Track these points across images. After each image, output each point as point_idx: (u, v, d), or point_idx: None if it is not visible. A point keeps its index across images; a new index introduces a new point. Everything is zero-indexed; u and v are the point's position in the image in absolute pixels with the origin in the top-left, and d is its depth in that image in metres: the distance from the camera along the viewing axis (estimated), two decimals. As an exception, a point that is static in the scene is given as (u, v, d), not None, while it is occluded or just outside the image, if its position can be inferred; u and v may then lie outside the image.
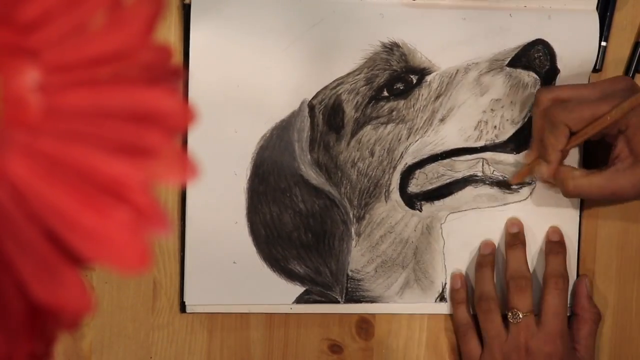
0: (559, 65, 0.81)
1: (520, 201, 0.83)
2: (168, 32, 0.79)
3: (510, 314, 0.81)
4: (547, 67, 0.81)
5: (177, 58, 0.78)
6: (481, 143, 0.81)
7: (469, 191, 0.82)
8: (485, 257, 0.83)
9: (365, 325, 0.84)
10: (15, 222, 0.31)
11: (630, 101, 0.73)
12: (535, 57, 0.81)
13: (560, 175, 0.78)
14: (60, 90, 0.32)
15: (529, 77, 0.81)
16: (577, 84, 0.79)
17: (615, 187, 0.76)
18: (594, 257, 0.86)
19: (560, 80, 0.81)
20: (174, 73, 0.35)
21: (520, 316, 0.80)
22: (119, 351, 0.81)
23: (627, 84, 0.76)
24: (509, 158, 0.82)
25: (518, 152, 0.82)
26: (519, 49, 0.81)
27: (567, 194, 0.78)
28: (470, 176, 0.82)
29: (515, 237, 0.83)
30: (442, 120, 0.80)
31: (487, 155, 0.82)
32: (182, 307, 0.81)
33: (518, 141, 0.81)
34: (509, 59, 0.81)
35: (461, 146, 0.81)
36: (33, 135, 0.32)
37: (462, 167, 0.82)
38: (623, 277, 0.86)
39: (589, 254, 0.86)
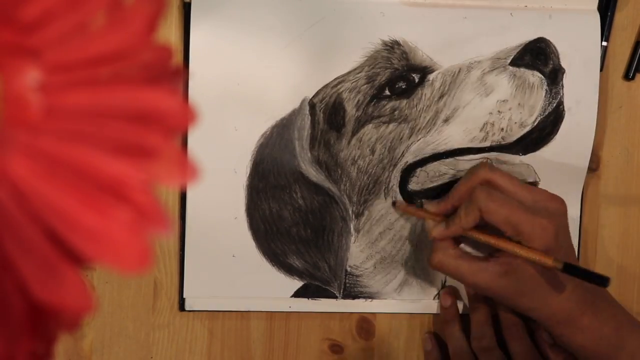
0: (563, 64, 0.81)
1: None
2: (168, 31, 0.79)
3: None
4: (551, 66, 0.81)
5: (178, 58, 0.78)
6: (487, 144, 0.81)
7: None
8: (447, 311, 0.83)
9: (365, 324, 0.84)
10: (16, 222, 0.31)
11: (524, 252, 0.72)
12: (539, 56, 0.81)
13: (435, 244, 0.77)
14: (60, 90, 0.32)
15: (534, 77, 0.80)
16: (519, 180, 0.77)
17: (476, 281, 0.75)
18: (594, 259, 0.86)
19: (567, 80, 0.81)
20: (175, 73, 0.35)
21: None
22: (119, 351, 0.81)
23: (559, 209, 0.75)
24: (515, 159, 0.82)
25: (524, 153, 0.82)
26: (521, 47, 0.81)
27: (430, 264, 0.77)
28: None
29: (447, 311, 0.83)
30: (446, 120, 0.80)
31: (492, 155, 0.81)
32: (182, 303, 0.81)
33: (525, 143, 0.81)
34: (511, 57, 0.81)
35: (465, 146, 0.81)
36: (34, 135, 0.32)
37: (466, 166, 0.81)
38: (624, 279, 0.86)
39: (590, 256, 0.86)
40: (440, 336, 0.85)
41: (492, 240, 0.74)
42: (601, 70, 0.83)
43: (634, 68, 0.84)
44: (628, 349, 0.74)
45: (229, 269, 0.81)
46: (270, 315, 0.83)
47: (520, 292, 0.75)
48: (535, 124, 0.81)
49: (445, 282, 0.84)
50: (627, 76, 0.85)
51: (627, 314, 0.76)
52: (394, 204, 0.81)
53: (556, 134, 0.82)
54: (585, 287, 0.73)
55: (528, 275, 0.74)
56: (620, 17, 0.84)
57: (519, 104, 0.80)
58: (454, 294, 0.84)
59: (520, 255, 0.72)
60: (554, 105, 0.81)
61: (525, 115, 0.81)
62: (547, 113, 0.81)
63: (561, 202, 0.75)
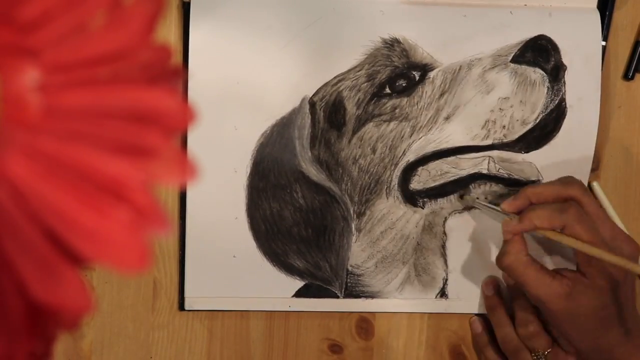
0: (565, 61, 0.81)
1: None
2: (168, 31, 0.79)
3: (534, 356, 0.81)
4: (552, 62, 0.81)
5: (177, 57, 0.78)
6: (488, 142, 0.81)
7: (472, 189, 0.82)
8: (491, 299, 0.83)
9: (365, 324, 0.84)
10: (15, 222, 0.31)
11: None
12: (540, 53, 0.80)
13: (508, 245, 0.76)
14: (60, 90, 0.32)
15: (536, 74, 0.80)
16: (605, 213, 0.77)
17: (538, 294, 0.75)
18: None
19: (569, 77, 0.81)
20: (174, 73, 0.35)
21: (543, 354, 0.80)
22: (119, 351, 0.81)
23: (633, 253, 0.76)
24: (517, 157, 0.82)
25: (527, 151, 0.82)
26: (521, 44, 0.80)
27: (498, 263, 0.77)
28: (475, 174, 0.82)
29: (490, 299, 0.83)
30: (447, 118, 0.80)
31: (494, 153, 0.81)
32: (182, 303, 0.81)
33: (527, 141, 0.81)
34: (512, 54, 0.80)
35: (467, 144, 0.81)
36: (33, 135, 0.32)
37: (467, 164, 0.81)
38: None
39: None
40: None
41: (566, 240, 0.73)
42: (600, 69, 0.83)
43: (633, 68, 0.84)
44: None
45: (230, 269, 0.81)
46: (270, 315, 0.83)
47: (574, 319, 0.75)
48: (537, 121, 0.81)
49: (446, 280, 0.84)
50: (627, 76, 0.85)
51: None
52: (461, 196, 0.81)
53: (558, 131, 0.82)
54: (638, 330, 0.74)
55: (587, 305, 0.74)
56: (620, 17, 0.84)
57: (520, 101, 0.80)
58: (495, 282, 0.84)
59: (601, 257, 0.72)
60: (556, 102, 0.81)
61: (527, 113, 0.80)
62: (549, 110, 0.81)
63: (635, 247, 0.76)
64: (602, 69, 0.83)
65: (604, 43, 0.83)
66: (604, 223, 0.75)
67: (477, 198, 0.81)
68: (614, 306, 0.74)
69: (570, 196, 0.75)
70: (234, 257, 0.80)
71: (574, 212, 0.73)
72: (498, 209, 0.78)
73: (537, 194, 0.76)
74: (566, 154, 0.82)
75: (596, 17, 0.82)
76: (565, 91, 0.81)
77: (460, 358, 0.86)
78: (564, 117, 0.81)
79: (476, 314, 0.85)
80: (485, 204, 0.80)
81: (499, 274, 0.84)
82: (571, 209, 0.73)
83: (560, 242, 0.74)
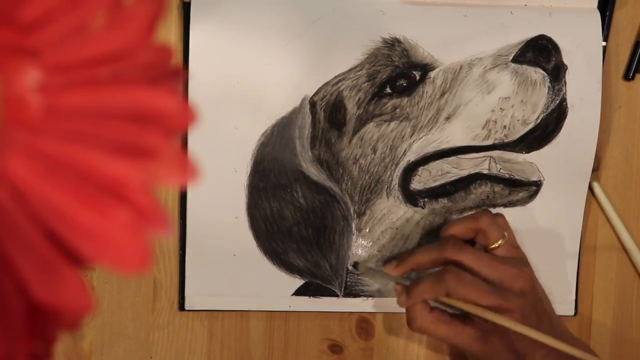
0: (566, 61, 0.81)
1: (524, 201, 0.83)
2: (168, 31, 0.79)
3: None
4: (553, 62, 0.81)
5: (177, 58, 0.78)
6: (489, 142, 0.81)
7: (473, 189, 0.82)
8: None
9: (365, 324, 0.84)
10: (16, 222, 0.31)
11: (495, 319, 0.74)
12: (540, 52, 0.80)
13: (412, 311, 0.77)
14: (60, 90, 0.32)
15: (537, 74, 0.80)
16: (485, 256, 0.77)
17: (456, 343, 0.77)
18: (594, 262, 0.86)
19: (570, 77, 0.81)
20: (174, 73, 0.35)
21: None
22: (119, 351, 0.81)
23: (523, 289, 0.76)
24: (518, 157, 0.82)
25: (528, 151, 0.82)
26: (522, 44, 0.80)
27: (410, 328, 0.78)
28: (476, 174, 0.82)
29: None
30: (447, 118, 0.80)
31: (495, 153, 0.81)
32: (182, 303, 0.81)
33: (528, 141, 0.81)
34: (513, 54, 0.80)
35: (468, 144, 0.81)
36: (33, 135, 0.32)
37: (468, 164, 0.81)
38: (623, 281, 0.86)
39: (590, 256, 0.86)
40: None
41: (463, 306, 0.75)
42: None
43: (633, 68, 0.84)
44: None
45: (230, 268, 0.81)
46: (270, 315, 0.83)
47: (496, 356, 0.77)
48: (538, 121, 0.81)
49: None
50: (627, 76, 0.85)
51: None
52: (355, 265, 0.82)
53: (560, 131, 0.82)
54: (558, 354, 0.75)
55: (501, 342, 0.76)
56: (620, 17, 0.84)
57: (521, 101, 0.80)
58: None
59: (487, 318, 0.74)
60: (557, 102, 0.81)
61: (528, 113, 0.80)
62: (550, 110, 0.81)
63: (526, 281, 0.77)
64: (602, 69, 0.83)
65: (604, 43, 0.83)
66: (487, 269, 0.76)
67: (369, 267, 0.81)
68: (526, 338, 0.74)
69: (443, 257, 0.77)
70: (234, 255, 0.80)
71: (451, 277, 0.75)
72: (385, 274, 0.80)
73: (417, 261, 0.78)
74: (567, 154, 0.82)
75: (596, 17, 0.82)
76: (566, 91, 0.81)
77: (460, 358, 0.86)
78: (564, 117, 0.81)
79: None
80: (375, 269, 0.81)
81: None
82: (447, 275, 0.75)
83: (450, 303, 0.76)
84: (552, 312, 0.80)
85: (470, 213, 0.82)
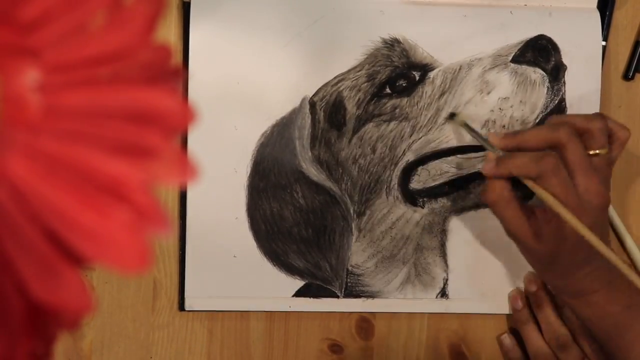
0: (565, 61, 0.81)
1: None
2: (168, 31, 0.79)
3: None
4: (552, 62, 0.81)
5: (177, 57, 0.78)
6: (488, 142, 0.81)
7: (472, 188, 0.82)
8: (521, 313, 0.84)
9: (365, 324, 0.84)
10: (15, 222, 0.31)
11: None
12: (540, 52, 0.80)
13: (493, 182, 0.76)
14: (60, 90, 0.32)
15: (536, 74, 0.80)
16: (589, 160, 0.75)
17: (513, 231, 0.76)
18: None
19: (569, 76, 0.81)
20: (174, 73, 0.35)
21: None
22: (119, 351, 0.81)
23: (600, 205, 0.75)
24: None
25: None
26: (521, 45, 0.80)
27: (482, 197, 0.77)
28: (475, 173, 0.82)
29: (535, 296, 0.83)
30: (447, 118, 0.80)
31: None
32: (182, 303, 0.81)
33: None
34: (513, 54, 0.80)
35: (467, 144, 0.81)
36: (33, 135, 0.32)
37: (467, 164, 0.81)
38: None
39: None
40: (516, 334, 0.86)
41: (539, 192, 0.73)
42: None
43: (633, 68, 0.84)
44: (636, 329, 0.76)
45: (230, 269, 0.81)
46: (270, 315, 0.83)
47: (545, 262, 0.76)
48: (537, 121, 0.81)
49: (447, 280, 0.84)
50: (627, 76, 0.85)
51: None
52: (451, 116, 0.80)
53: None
54: (606, 268, 0.74)
55: (555, 251, 0.75)
56: (619, 16, 0.84)
57: (520, 101, 0.80)
58: (522, 293, 0.84)
59: (570, 222, 0.72)
60: (556, 102, 0.81)
61: (527, 113, 0.80)
62: (549, 110, 0.81)
63: (605, 201, 0.75)
64: (602, 69, 0.83)
65: (604, 43, 0.83)
66: (581, 174, 0.74)
67: (466, 123, 0.80)
68: (581, 250, 0.74)
69: (557, 141, 0.75)
70: (234, 257, 0.80)
71: (550, 163, 0.73)
72: (485, 139, 0.78)
73: (525, 138, 0.76)
74: None
75: (596, 17, 0.82)
76: (565, 91, 0.81)
77: (460, 358, 0.86)
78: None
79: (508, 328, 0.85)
80: (476, 130, 0.79)
81: (499, 274, 0.84)
82: (547, 160, 0.73)
83: (532, 189, 0.74)
84: (608, 243, 0.77)
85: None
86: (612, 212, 0.85)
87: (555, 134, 0.75)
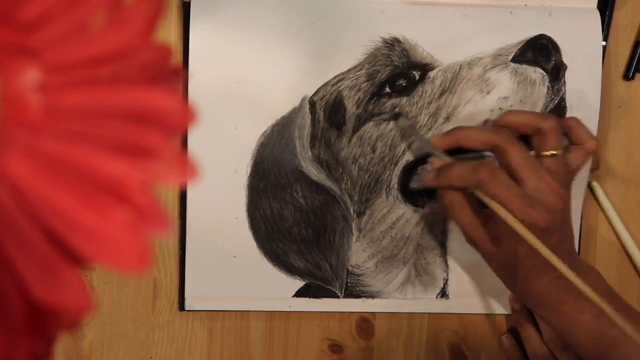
0: (565, 60, 0.81)
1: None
2: (168, 31, 0.79)
3: None
4: (553, 62, 0.81)
5: (177, 57, 0.78)
6: (489, 141, 0.81)
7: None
8: (519, 314, 0.83)
9: (365, 324, 0.84)
10: (15, 222, 0.31)
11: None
12: (540, 52, 0.80)
13: (445, 189, 0.76)
14: (60, 90, 0.32)
15: (536, 74, 0.80)
16: (532, 161, 0.74)
17: (472, 237, 0.76)
18: (594, 258, 0.86)
19: (569, 76, 0.81)
20: (174, 73, 0.35)
21: None
22: (119, 351, 0.81)
23: (555, 206, 0.74)
24: None
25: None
26: (522, 44, 0.80)
27: (438, 202, 0.78)
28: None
29: (520, 315, 0.83)
30: (447, 118, 0.80)
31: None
32: (182, 303, 0.81)
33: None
34: (513, 54, 0.80)
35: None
36: (33, 135, 0.32)
37: (466, 165, 0.81)
38: (622, 281, 0.86)
39: (590, 255, 0.86)
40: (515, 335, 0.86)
41: (483, 199, 0.73)
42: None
43: (633, 68, 0.84)
44: (609, 337, 0.74)
45: (230, 269, 0.81)
46: (270, 315, 0.83)
47: (500, 264, 0.76)
48: None
49: (447, 280, 0.84)
50: (627, 76, 0.85)
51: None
52: (395, 117, 0.79)
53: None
54: (566, 284, 0.73)
55: (514, 254, 0.74)
56: (620, 16, 0.84)
57: (520, 101, 0.80)
58: None
59: (514, 227, 0.71)
60: (556, 102, 0.81)
61: None
62: (548, 110, 0.81)
63: (561, 199, 0.74)
64: (602, 69, 0.83)
65: (604, 43, 0.83)
66: (527, 175, 0.73)
67: (411, 125, 0.79)
68: (540, 254, 0.72)
69: (496, 144, 0.74)
70: (234, 257, 0.80)
71: (486, 171, 0.72)
72: (426, 141, 0.78)
73: (465, 138, 0.76)
74: None
75: (596, 16, 0.82)
76: (565, 91, 0.81)
77: (460, 358, 0.86)
78: (563, 117, 0.81)
79: (508, 329, 0.85)
80: (417, 133, 0.79)
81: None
82: (483, 168, 0.72)
83: (480, 197, 0.73)
84: (572, 245, 0.77)
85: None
86: (612, 210, 0.85)
87: (495, 137, 0.75)
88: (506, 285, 0.78)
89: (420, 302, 0.84)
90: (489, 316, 0.86)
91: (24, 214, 0.31)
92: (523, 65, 0.80)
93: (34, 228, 0.32)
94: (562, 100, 0.81)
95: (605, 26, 0.83)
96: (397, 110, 0.80)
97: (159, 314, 0.81)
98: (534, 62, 0.80)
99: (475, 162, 0.74)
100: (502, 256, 0.75)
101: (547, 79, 0.80)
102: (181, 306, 0.81)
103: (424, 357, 0.85)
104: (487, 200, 0.73)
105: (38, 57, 0.32)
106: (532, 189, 0.73)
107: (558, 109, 0.81)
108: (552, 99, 0.81)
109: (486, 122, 0.80)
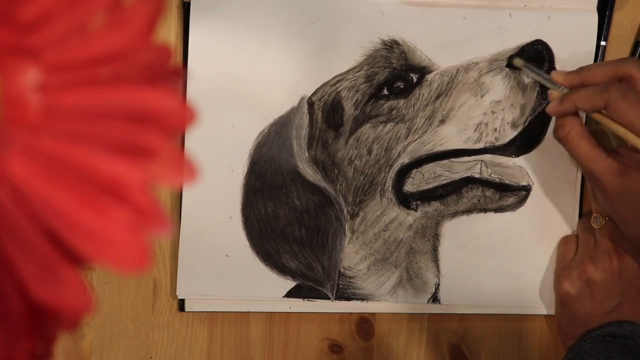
0: (558, 66, 0.81)
1: (514, 207, 0.83)
2: (168, 31, 0.79)
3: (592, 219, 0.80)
4: (545, 68, 0.81)
5: (177, 57, 0.78)
6: (480, 145, 0.81)
7: (465, 193, 0.82)
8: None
9: (365, 324, 0.84)
10: (15, 222, 0.31)
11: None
12: (534, 58, 0.81)
13: (563, 118, 0.73)
14: (60, 90, 0.32)
15: (529, 78, 0.80)
16: None
17: (592, 168, 0.72)
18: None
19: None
20: (174, 73, 0.35)
21: (603, 221, 0.79)
22: (119, 351, 0.81)
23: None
24: (508, 161, 0.82)
25: (517, 155, 0.82)
26: (518, 50, 0.81)
27: (555, 134, 0.75)
28: (468, 178, 0.82)
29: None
30: (442, 121, 0.80)
31: (486, 157, 0.81)
32: (182, 304, 0.81)
33: (518, 145, 0.81)
34: (508, 59, 0.81)
35: (460, 147, 0.81)
36: (33, 135, 0.32)
37: (460, 168, 0.82)
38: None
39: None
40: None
41: (609, 124, 0.70)
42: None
43: (633, 68, 0.84)
44: None
45: (222, 268, 0.81)
46: (270, 315, 0.83)
47: (627, 197, 0.72)
48: (526, 124, 0.81)
49: (438, 285, 0.83)
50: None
51: None
52: (510, 59, 0.78)
53: (546, 133, 0.82)
54: None
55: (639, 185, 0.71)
56: (620, 17, 0.84)
57: (512, 104, 0.81)
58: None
59: (634, 143, 0.69)
60: (544, 105, 0.81)
61: (517, 115, 0.81)
62: (537, 113, 0.81)
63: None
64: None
65: (604, 43, 0.83)
66: None
67: (526, 64, 0.79)
68: None
69: (625, 74, 0.72)
70: (227, 256, 0.80)
71: (617, 89, 0.70)
72: (547, 78, 0.76)
73: (591, 73, 0.74)
74: (555, 158, 0.82)
75: (594, 19, 0.82)
76: None
77: (460, 358, 0.86)
78: (550, 120, 0.81)
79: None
80: (536, 70, 0.79)
81: (492, 279, 0.83)
82: (614, 87, 0.70)
83: (603, 124, 0.71)
84: None
85: None
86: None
87: (623, 66, 0.72)
88: (622, 219, 0.73)
89: (411, 306, 0.84)
90: (489, 316, 0.86)
91: (24, 214, 0.32)
92: (517, 70, 0.81)
93: (34, 228, 0.32)
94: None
95: (605, 26, 0.83)
96: (511, 55, 0.79)
97: (159, 314, 0.81)
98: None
99: (604, 84, 0.71)
100: (628, 189, 0.71)
101: (539, 84, 0.81)
102: (181, 307, 0.81)
103: (424, 357, 0.85)
104: (612, 124, 0.70)
105: (38, 57, 0.32)
106: None
107: (545, 112, 0.81)
108: (540, 103, 0.81)
109: (479, 125, 0.80)
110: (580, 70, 0.75)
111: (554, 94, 0.74)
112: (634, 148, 0.71)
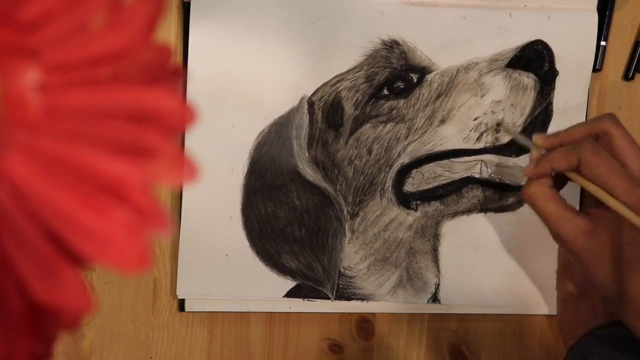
0: (558, 66, 0.81)
1: (515, 207, 0.83)
2: (168, 31, 0.79)
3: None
4: (545, 68, 0.81)
5: (177, 57, 0.78)
6: (480, 145, 0.81)
7: (465, 192, 0.82)
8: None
9: (365, 325, 0.84)
10: (15, 222, 0.31)
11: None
12: (535, 58, 0.81)
13: (532, 180, 0.73)
14: (60, 90, 0.32)
15: (529, 79, 0.81)
16: (638, 146, 0.71)
17: (559, 231, 0.71)
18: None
19: (559, 82, 0.81)
20: (174, 73, 0.35)
21: None
22: (119, 351, 0.81)
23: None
24: (508, 161, 0.82)
25: (518, 155, 0.82)
26: (518, 50, 0.81)
27: (521, 194, 0.74)
28: (468, 178, 0.82)
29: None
30: (442, 121, 0.80)
31: (486, 157, 0.81)
32: (182, 304, 0.81)
33: (518, 145, 0.81)
34: (508, 59, 0.81)
35: (460, 147, 0.81)
36: (33, 135, 0.32)
37: (460, 168, 0.82)
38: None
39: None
40: None
41: (590, 187, 0.69)
42: (600, 70, 0.84)
43: (633, 68, 0.84)
44: None
45: (222, 268, 0.81)
46: (270, 315, 0.83)
47: (599, 259, 0.70)
48: (525, 124, 0.81)
49: (438, 285, 0.83)
50: (627, 76, 0.85)
51: None
52: (497, 125, 0.79)
53: (545, 134, 0.82)
54: None
55: (612, 244, 0.69)
56: (620, 17, 0.84)
57: (511, 105, 0.81)
58: None
59: (616, 208, 0.68)
60: (544, 105, 0.81)
61: (517, 115, 0.81)
62: (536, 113, 0.81)
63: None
64: (601, 69, 0.83)
65: (604, 43, 0.83)
66: (633, 155, 0.70)
67: (512, 130, 0.79)
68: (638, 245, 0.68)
69: (601, 130, 0.72)
70: (227, 255, 0.80)
71: (588, 144, 0.69)
72: (529, 142, 0.76)
73: (568, 134, 0.73)
74: None
75: (594, 19, 0.82)
76: (553, 95, 0.81)
77: (460, 358, 0.86)
78: (549, 120, 0.81)
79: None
80: (517, 131, 0.79)
81: (492, 279, 0.84)
82: (586, 142, 0.69)
83: (580, 184, 0.71)
84: None
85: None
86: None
87: (599, 123, 0.72)
88: (593, 281, 0.71)
89: (411, 306, 0.84)
90: (489, 316, 0.86)
91: (24, 214, 0.32)
92: (517, 70, 0.81)
93: (34, 228, 0.32)
94: (550, 104, 0.81)
95: (605, 26, 0.83)
96: (498, 122, 0.80)
97: (159, 314, 0.81)
98: (527, 68, 0.81)
99: (575, 143, 0.71)
100: (598, 249, 0.70)
101: (539, 85, 0.81)
102: (181, 307, 0.81)
103: (424, 357, 0.85)
104: (586, 183, 0.69)
105: (38, 57, 0.32)
106: (637, 171, 0.70)
107: (545, 112, 0.81)
108: (540, 103, 0.81)
109: (479, 125, 0.81)
110: (559, 132, 0.74)
111: (534, 154, 0.74)
112: (607, 206, 0.69)
